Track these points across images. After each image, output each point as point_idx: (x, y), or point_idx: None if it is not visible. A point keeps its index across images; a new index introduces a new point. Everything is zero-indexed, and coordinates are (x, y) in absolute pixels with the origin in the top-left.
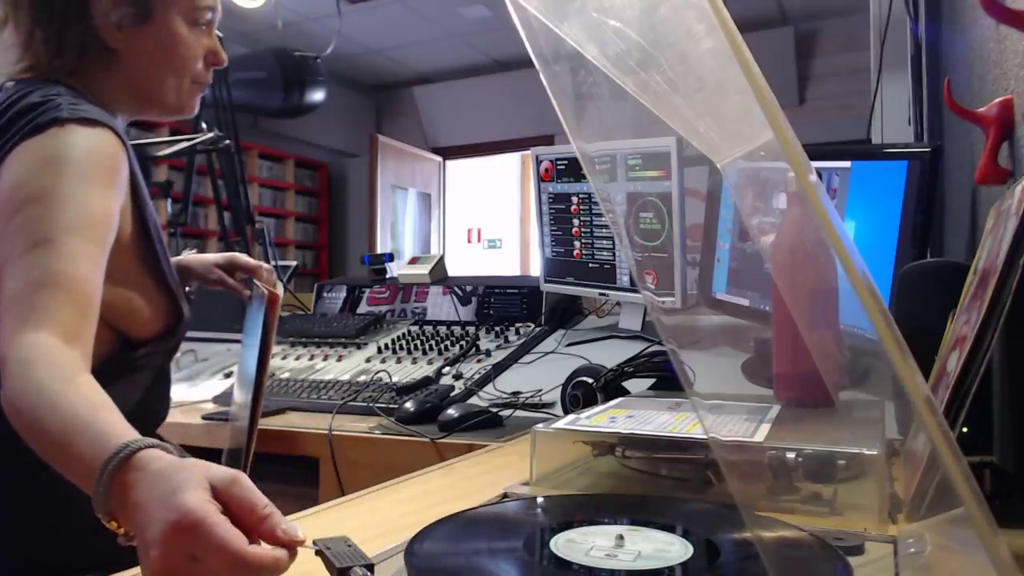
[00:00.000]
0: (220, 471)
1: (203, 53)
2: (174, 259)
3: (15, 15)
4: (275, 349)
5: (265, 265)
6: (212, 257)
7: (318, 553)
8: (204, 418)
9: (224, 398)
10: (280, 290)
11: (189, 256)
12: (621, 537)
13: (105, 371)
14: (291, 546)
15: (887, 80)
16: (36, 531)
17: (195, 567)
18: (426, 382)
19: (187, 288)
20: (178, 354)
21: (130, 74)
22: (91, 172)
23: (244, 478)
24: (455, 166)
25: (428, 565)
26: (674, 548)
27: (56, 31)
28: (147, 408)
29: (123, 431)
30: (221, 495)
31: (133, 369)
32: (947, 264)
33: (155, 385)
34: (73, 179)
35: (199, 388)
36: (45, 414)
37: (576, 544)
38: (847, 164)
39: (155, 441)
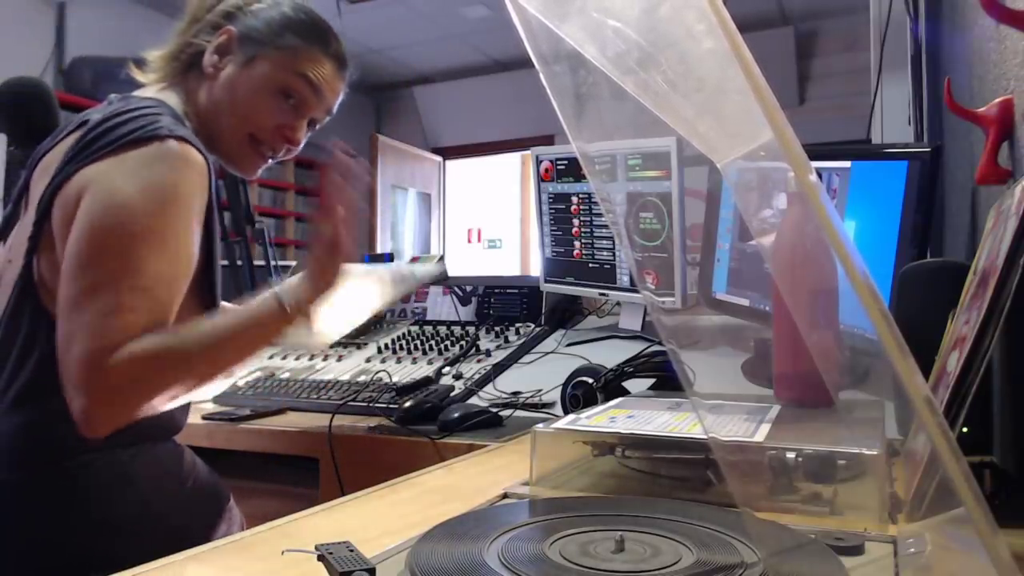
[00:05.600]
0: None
1: (278, 122)
2: None
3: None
4: (274, 349)
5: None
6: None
7: (320, 558)
8: (204, 418)
9: (224, 398)
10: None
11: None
12: (622, 539)
13: None
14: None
15: (887, 80)
16: (38, 531)
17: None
18: (426, 382)
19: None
20: None
21: (206, 101)
22: (191, 209)
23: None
24: (455, 166)
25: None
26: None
27: (185, 36)
28: (167, 416)
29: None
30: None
31: None
32: (947, 264)
33: None
34: (177, 218)
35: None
36: (203, 332)
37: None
38: (847, 164)
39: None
